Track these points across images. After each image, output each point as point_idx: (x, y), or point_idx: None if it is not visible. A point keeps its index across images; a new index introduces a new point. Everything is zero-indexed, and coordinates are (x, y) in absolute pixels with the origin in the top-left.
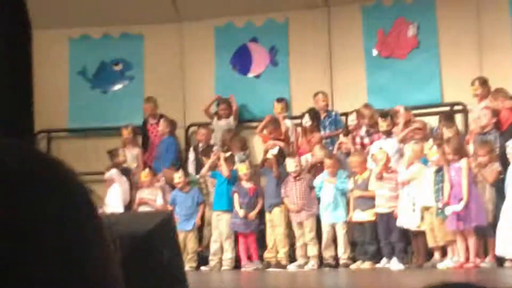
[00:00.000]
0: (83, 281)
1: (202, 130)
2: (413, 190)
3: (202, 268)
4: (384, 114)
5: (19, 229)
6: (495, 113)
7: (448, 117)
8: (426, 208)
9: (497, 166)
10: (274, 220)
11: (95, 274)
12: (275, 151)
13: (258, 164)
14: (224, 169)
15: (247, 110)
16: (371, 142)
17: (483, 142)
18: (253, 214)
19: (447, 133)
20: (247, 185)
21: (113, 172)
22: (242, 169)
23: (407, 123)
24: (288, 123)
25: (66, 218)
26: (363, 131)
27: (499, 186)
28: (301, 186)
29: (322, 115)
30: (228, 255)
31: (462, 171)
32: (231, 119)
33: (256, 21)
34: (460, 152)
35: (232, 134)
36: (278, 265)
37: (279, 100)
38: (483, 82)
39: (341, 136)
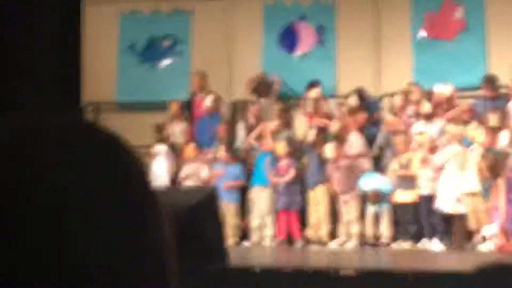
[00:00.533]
0: (139, 246)
1: (252, 106)
2: (454, 174)
3: (244, 243)
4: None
5: (84, 192)
6: None
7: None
8: (472, 194)
9: None
10: (317, 198)
11: (151, 241)
12: (313, 132)
13: (301, 141)
14: (267, 142)
15: (293, 88)
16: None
17: None
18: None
19: (492, 118)
20: (282, 163)
21: (160, 147)
22: (279, 148)
23: (452, 105)
24: (331, 103)
25: (125, 188)
26: (410, 110)
27: None
28: (344, 169)
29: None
30: (268, 231)
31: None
32: (272, 98)
33: (304, 1)
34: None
35: (279, 112)
36: (319, 242)
37: (314, 84)
38: None
39: (388, 115)
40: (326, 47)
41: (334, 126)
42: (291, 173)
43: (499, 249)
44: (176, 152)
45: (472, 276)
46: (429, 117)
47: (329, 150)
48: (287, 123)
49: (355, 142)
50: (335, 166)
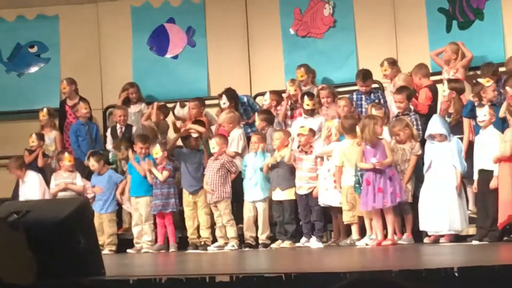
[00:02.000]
0: None
1: (119, 111)
2: (332, 167)
3: (128, 251)
4: (309, 93)
5: None
6: (410, 95)
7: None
8: (348, 187)
9: (417, 149)
10: (199, 201)
11: None
12: (196, 133)
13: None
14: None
15: (165, 90)
16: (292, 119)
17: (398, 119)
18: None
19: (375, 112)
20: (159, 166)
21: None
22: (156, 152)
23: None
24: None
25: None
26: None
27: (418, 166)
28: (217, 167)
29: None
30: (148, 237)
31: (386, 149)
32: (142, 103)
33: (172, 1)
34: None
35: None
36: (199, 246)
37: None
38: (392, 62)
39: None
40: (197, 48)
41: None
42: (165, 176)
43: (376, 244)
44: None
45: None
46: (310, 113)
47: (211, 144)
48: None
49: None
50: (213, 162)
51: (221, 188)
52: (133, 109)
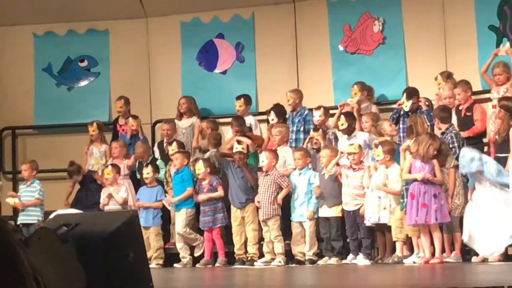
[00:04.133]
0: None
1: (165, 125)
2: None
3: (175, 265)
4: (346, 113)
5: None
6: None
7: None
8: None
9: (450, 163)
10: (247, 217)
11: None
12: (239, 146)
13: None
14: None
15: (214, 106)
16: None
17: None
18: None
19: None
20: (203, 182)
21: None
22: (198, 168)
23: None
24: (250, 119)
25: None
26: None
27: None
28: (268, 183)
29: (294, 112)
30: (184, 253)
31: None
32: (194, 117)
33: (222, 17)
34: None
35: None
36: (246, 261)
37: (238, 97)
38: (448, 75)
39: (311, 131)
40: (245, 63)
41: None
42: (218, 191)
43: (424, 262)
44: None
45: None
46: (349, 132)
47: (265, 158)
48: (218, 142)
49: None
50: (263, 178)
51: (272, 206)
52: (184, 123)
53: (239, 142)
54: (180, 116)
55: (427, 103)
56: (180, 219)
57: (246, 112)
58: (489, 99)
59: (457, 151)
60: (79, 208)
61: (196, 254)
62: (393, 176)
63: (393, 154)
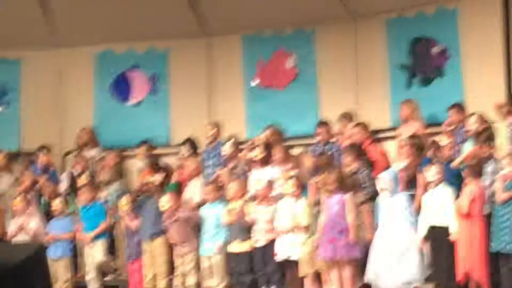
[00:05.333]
0: None
1: (76, 158)
2: (288, 221)
3: None
4: (263, 145)
5: None
6: (355, 150)
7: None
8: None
9: (360, 199)
10: (155, 251)
11: None
12: (158, 178)
13: (136, 191)
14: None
15: (126, 138)
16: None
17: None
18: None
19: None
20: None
21: None
22: (123, 202)
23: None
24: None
25: None
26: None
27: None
28: (180, 221)
29: (211, 145)
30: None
31: (348, 205)
32: (98, 148)
33: (137, 48)
34: (341, 184)
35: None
36: None
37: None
38: (348, 116)
39: (217, 169)
40: (159, 95)
41: (174, 177)
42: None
43: None
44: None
45: None
46: (262, 163)
47: (165, 201)
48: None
49: (194, 190)
50: (171, 218)
51: (189, 242)
52: (89, 153)
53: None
54: (80, 148)
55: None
56: (99, 249)
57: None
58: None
59: (369, 190)
60: None
61: (106, 278)
62: (301, 210)
63: (302, 188)
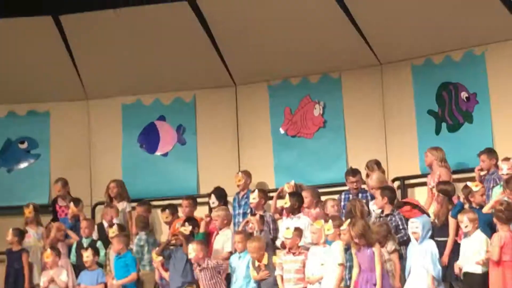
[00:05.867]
0: None
1: (106, 209)
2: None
3: None
4: (293, 193)
5: None
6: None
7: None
8: None
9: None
10: None
11: None
12: (188, 228)
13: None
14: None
15: (154, 189)
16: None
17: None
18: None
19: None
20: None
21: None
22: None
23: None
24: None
25: None
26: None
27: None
28: (207, 275)
29: (241, 194)
30: None
31: (375, 258)
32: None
33: (163, 99)
34: (365, 238)
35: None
36: None
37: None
38: (376, 163)
39: (249, 215)
40: (187, 146)
41: (202, 227)
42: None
43: None
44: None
45: None
46: (293, 213)
47: (192, 249)
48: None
49: (224, 240)
50: (200, 267)
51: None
52: (118, 206)
53: (184, 224)
54: (110, 200)
55: None
56: None
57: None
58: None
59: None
60: None
61: None
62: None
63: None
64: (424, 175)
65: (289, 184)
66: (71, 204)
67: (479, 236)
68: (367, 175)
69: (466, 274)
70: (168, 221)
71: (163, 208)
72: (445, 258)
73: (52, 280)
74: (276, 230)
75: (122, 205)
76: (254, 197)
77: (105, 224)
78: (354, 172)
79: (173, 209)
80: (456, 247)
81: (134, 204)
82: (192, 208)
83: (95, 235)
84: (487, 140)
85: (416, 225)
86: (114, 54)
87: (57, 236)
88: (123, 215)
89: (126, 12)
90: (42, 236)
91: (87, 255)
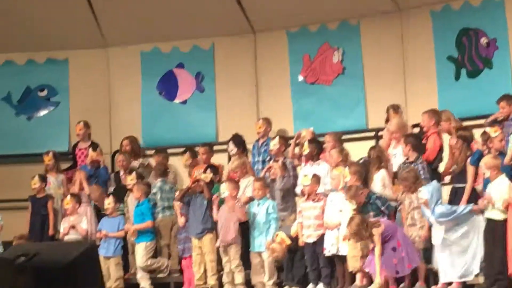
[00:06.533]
0: None
1: (120, 156)
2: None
3: None
4: (312, 140)
5: None
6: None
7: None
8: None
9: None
10: (204, 248)
11: None
12: (208, 174)
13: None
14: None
15: (173, 136)
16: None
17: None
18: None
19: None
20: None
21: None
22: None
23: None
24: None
25: None
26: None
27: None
28: (228, 211)
29: (260, 141)
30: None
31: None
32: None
33: (182, 47)
34: (358, 235)
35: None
36: None
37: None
38: (395, 108)
39: (272, 161)
40: (206, 93)
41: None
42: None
43: None
44: (46, 204)
45: None
46: (313, 159)
47: (224, 188)
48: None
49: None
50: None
51: (231, 233)
52: (134, 164)
53: (205, 171)
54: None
55: None
56: (140, 253)
57: None
58: None
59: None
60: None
61: (160, 275)
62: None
63: (362, 175)
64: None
65: (308, 130)
66: (90, 149)
67: (502, 180)
68: (387, 120)
69: (489, 220)
70: (188, 163)
71: (183, 151)
72: (463, 204)
73: (72, 227)
74: (296, 176)
75: (137, 162)
76: (274, 144)
77: (121, 174)
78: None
79: (193, 152)
80: (473, 194)
81: (149, 158)
82: (209, 155)
83: (112, 185)
84: (507, 86)
85: (423, 195)
86: (132, 1)
87: (96, 197)
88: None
89: None
90: (62, 183)
91: (109, 203)
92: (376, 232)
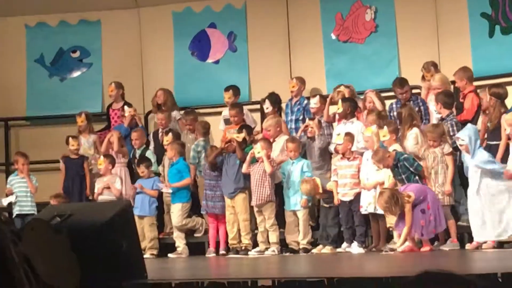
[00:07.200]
0: None
1: (160, 115)
2: (373, 175)
3: (170, 255)
4: (346, 98)
5: None
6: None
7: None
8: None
9: (448, 148)
10: (237, 207)
11: None
12: (241, 134)
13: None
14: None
15: (206, 96)
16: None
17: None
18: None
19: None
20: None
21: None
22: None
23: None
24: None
25: None
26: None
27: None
28: (260, 170)
29: (293, 100)
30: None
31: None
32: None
33: (214, 6)
34: (390, 210)
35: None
36: (240, 251)
37: (226, 89)
38: (433, 65)
39: (307, 119)
40: (238, 53)
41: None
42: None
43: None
44: (82, 165)
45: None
46: (347, 118)
47: (259, 147)
48: (207, 131)
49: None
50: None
51: (265, 192)
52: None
53: (240, 131)
54: (158, 108)
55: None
56: (176, 213)
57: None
58: (481, 87)
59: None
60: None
61: (196, 234)
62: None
63: (397, 134)
64: (478, 79)
65: (345, 88)
66: (126, 107)
67: None
68: (423, 77)
69: None
70: (230, 101)
71: (226, 88)
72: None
73: (106, 187)
74: (331, 135)
75: (172, 114)
76: (315, 102)
77: (159, 130)
78: (401, 83)
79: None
80: (507, 151)
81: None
82: (240, 116)
83: (151, 144)
84: None
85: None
86: None
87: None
88: (174, 123)
89: None
90: (94, 145)
91: (142, 171)
92: (408, 204)
